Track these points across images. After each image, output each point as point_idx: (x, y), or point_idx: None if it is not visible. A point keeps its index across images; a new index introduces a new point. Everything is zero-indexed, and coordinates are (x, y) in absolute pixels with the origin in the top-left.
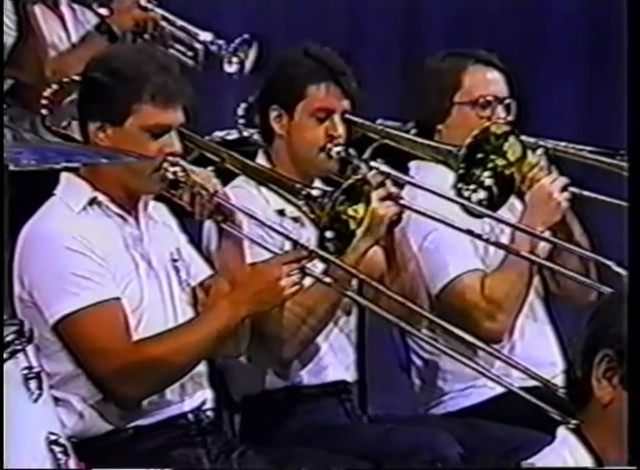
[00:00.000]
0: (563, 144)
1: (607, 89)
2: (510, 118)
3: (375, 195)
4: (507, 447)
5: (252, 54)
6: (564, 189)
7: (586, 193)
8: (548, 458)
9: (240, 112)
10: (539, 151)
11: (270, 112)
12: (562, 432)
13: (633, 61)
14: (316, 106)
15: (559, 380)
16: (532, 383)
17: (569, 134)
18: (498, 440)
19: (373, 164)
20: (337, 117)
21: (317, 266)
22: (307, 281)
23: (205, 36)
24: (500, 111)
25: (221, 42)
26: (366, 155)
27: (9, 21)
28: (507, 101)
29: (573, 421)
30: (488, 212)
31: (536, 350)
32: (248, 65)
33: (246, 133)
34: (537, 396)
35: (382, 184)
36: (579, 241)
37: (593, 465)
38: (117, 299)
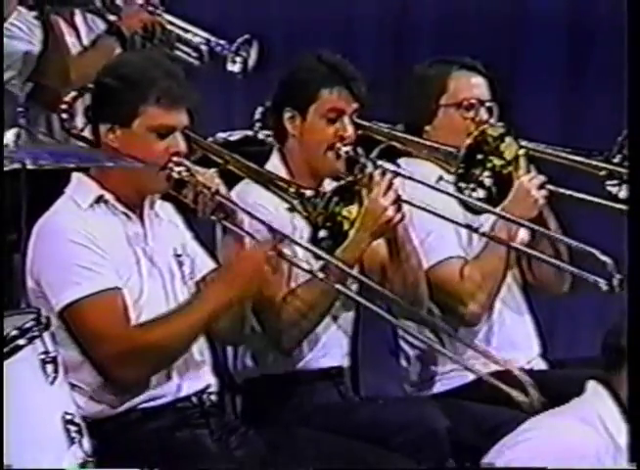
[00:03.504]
0: (542, 146)
1: (586, 92)
2: (492, 120)
3: (375, 192)
4: (487, 426)
5: (254, 53)
6: (541, 187)
7: (562, 190)
8: (580, 406)
9: (257, 115)
10: (521, 151)
11: (284, 113)
12: (592, 384)
13: (633, 62)
14: (327, 108)
15: (536, 362)
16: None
17: (548, 136)
18: (479, 418)
19: (379, 163)
20: (346, 119)
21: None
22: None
23: (210, 38)
24: (483, 113)
25: (224, 43)
26: (373, 154)
27: (34, 32)
28: (489, 104)
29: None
30: (488, 207)
31: (514, 334)
32: (250, 64)
33: (261, 135)
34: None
35: (388, 187)
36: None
37: (620, 414)
38: (118, 288)
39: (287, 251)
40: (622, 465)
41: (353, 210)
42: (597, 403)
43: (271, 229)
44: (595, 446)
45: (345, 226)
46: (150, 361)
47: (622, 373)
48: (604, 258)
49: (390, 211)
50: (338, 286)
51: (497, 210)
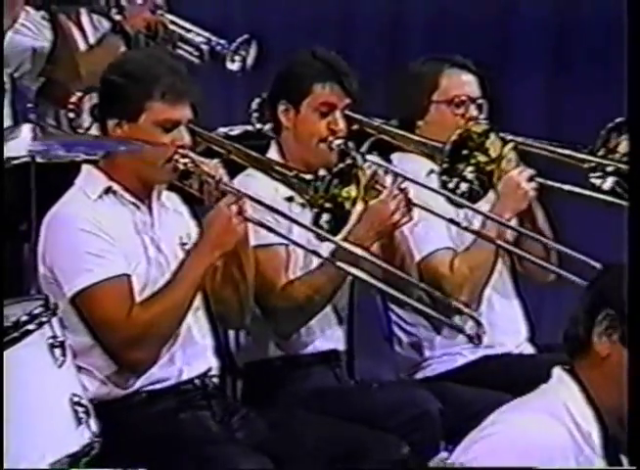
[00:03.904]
0: (530, 140)
1: (573, 89)
2: (482, 116)
3: (384, 195)
4: (472, 409)
5: (253, 52)
6: (530, 179)
7: (551, 183)
8: (546, 396)
9: (253, 106)
10: (509, 145)
11: (279, 105)
12: (557, 372)
13: (633, 61)
14: (320, 102)
15: (524, 346)
16: (500, 350)
17: (536, 131)
18: (465, 402)
19: (368, 157)
20: (338, 114)
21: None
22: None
23: (210, 37)
24: (473, 109)
25: (224, 42)
26: (363, 148)
27: (44, 29)
28: (479, 101)
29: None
30: (467, 203)
31: (503, 318)
32: (249, 62)
33: (258, 126)
34: (506, 362)
35: (397, 190)
36: (542, 226)
37: (585, 401)
38: (127, 275)
39: (248, 209)
40: (597, 464)
41: (352, 189)
42: (562, 392)
43: (276, 211)
44: (561, 439)
45: (347, 206)
46: (154, 338)
47: (582, 361)
48: (593, 263)
49: (397, 215)
50: (350, 269)
51: (488, 203)
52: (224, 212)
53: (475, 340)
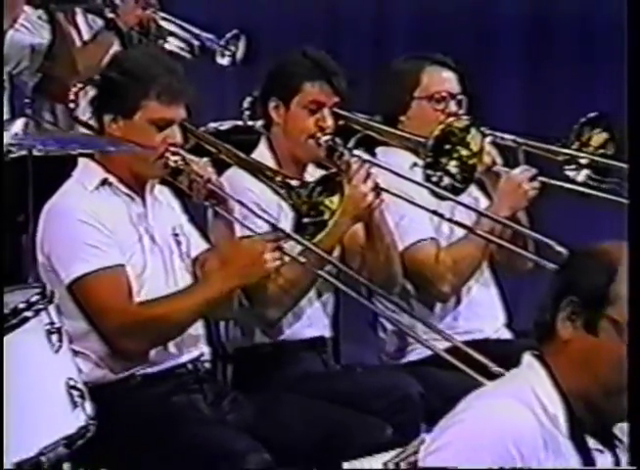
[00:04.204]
0: (508, 134)
1: (549, 84)
2: (461, 112)
3: (355, 180)
4: (452, 393)
5: (242, 47)
6: (532, 179)
7: (553, 182)
8: (516, 381)
9: (245, 104)
10: (487, 139)
11: (270, 102)
12: (527, 357)
13: (633, 61)
14: (309, 99)
15: (502, 331)
16: (479, 336)
17: (515, 126)
18: (446, 386)
19: (356, 152)
20: (326, 111)
21: (296, 248)
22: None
23: (200, 33)
24: (452, 105)
25: (214, 37)
26: (350, 144)
27: (42, 28)
28: (459, 97)
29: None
30: (450, 196)
31: (481, 305)
32: (239, 56)
33: (250, 123)
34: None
35: (367, 175)
36: (520, 217)
37: (552, 385)
38: (122, 265)
39: (286, 245)
40: (563, 444)
41: (335, 200)
42: (531, 377)
43: (258, 215)
44: (529, 422)
45: (326, 216)
46: (148, 336)
47: (549, 346)
48: (559, 248)
49: (370, 197)
50: (317, 271)
51: (488, 202)
52: (259, 247)
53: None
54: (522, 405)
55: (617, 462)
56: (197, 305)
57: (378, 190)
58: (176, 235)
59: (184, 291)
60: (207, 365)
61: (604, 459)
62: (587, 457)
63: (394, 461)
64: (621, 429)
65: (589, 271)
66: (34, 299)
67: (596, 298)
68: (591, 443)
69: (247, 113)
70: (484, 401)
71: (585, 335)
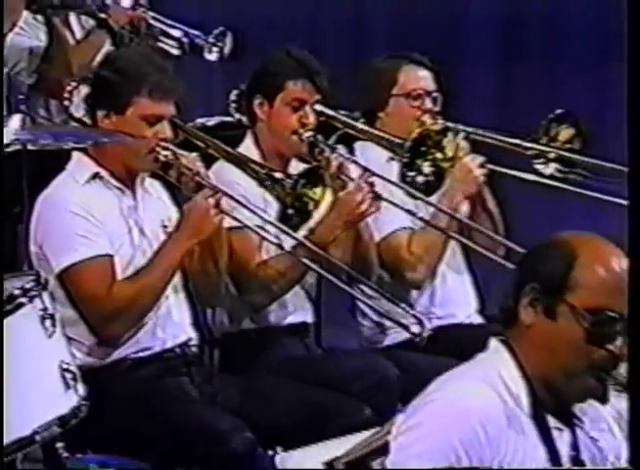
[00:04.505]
0: (480, 130)
1: (519, 83)
2: (437, 108)
3: (351, 187)
4: (426, 376)
5: (229, 43)
6: (481, 166)
7: (500, 169)
8: (483, 364)
9: (232, 97)
10: (460, 134)
11: (255, 99)
12: (494, 343)
13: (633, 61)
14: (292, 97)
15: (474, 317)
16: (452, 321)
17: (486, 121)
18: (420, 369)
19: (336, 147)
20: (308, 108)
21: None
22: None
23: (188, 30)
24: (428, 102)
25: (201, 34)
26: (331, 140)
27: (40, 31)
28: (434, 94)
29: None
30: (420, 195)
31: (455, 292)
32: (226, 52)
33: (237, 116)
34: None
35: (363, 182)
36: (492, 208)
37: (516, 368)
38: (110, 255)
39: (224, 203)
40: (525, 423)
41: (318, 191)
42: (496, 360)
43: (245, 206)
44: (494, 403)
45: (310, 206)
46: (129, 316)
47: (513, 331)
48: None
49: (364, 206)
50: (305, 260)
51: (442, 188)
52: (202, 204)
53: (417, 338)
54: (488, 387)
55: (575, 441)
56: (164, 271)
57: (375, 198)
58: (165, 227)
59: (148, 264)
60: (195, 350)
61: (563, 437)
62: (547, 435)
63: (372, 440)
64: (581, 409)
65: (549, 260)
66: (29, 286)
67: (555, 285)
68: (552, 422)
69: (233, 105)
70: (454, 383)
71: (546, 320)
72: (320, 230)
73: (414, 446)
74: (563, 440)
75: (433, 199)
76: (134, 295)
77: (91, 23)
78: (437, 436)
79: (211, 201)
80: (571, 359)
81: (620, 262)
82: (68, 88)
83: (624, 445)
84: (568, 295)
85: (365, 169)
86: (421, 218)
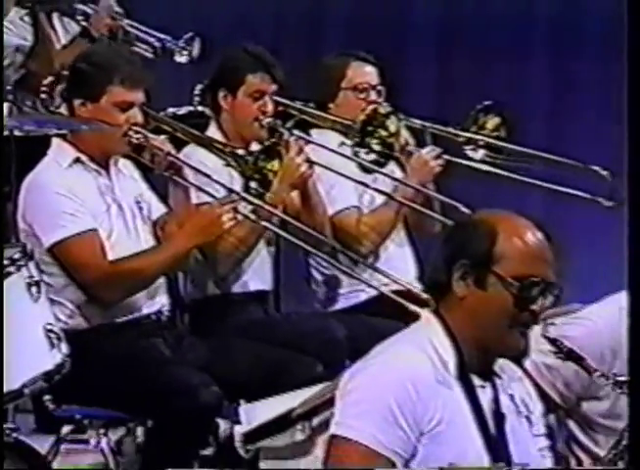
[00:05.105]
0: (417, 119)
1: (453, 77)
2: (381, 100)
3: (291, 153)
4: (378, 334)
5: (197, 46)
6: (437, 157)
7: (454, 159)
8: (416, 332)
9: (196, 91)
10: (402, 123)
11: (219, 92)
12: (426, 314)
13: (632, 61)
14: (253, 89)
15: (413, 282)
16: (394, 287)
17: (425, 112)
18: (371, 328)
19: (294, 131)
20: (267, 98)
21: (246, 207)
22: (239, 218)
23: (160, 36)
24: (373, 94)
25: (172, 39)
26: (288, 125)
27: (26, 29)
28: (378, 87)
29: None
30: (375, 168)
31: (396, 260)
32: (194, 55)
33: (200, 108)
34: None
35: (300, 149)
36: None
37: (445, 335)
38: (95, 230)
39: (242, 208)
40: (453, 384)
41: (276, 164)
42: (428, 329)
43: (213, 180)
44: (425, 367)
45: (270, 177)
46: (123, 286)
47: (445, 302)
48: (464, 209)
49: (303, 168)
50: (266, 224)
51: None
52: (217, 210)
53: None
54: (419, 351)
55: (496, 394)
56: (165, 259)
57: (309, 162)
58: (138, 202)
59: (152, 249)
60: (168, 314)
61: (486, 393)
62: (472, 393)
63: (323, 392)
64: (500, 367)
65: (474, 238)
66: (16, 256)
67: (483, 259)
68: (476, 381)
69: (197, 99)
70: (391, 348)
71: (477, 291)
72: (272, 194)
73: (356, 407)
74: (485, 395)
75: (388, 188)
76: (133, 270)
77: (73, 25)
78: (375, 397)
79: (226, 208)
80: (500, 321)
81: (535, 234)
82: (45, 82)
83: (534, 394)
84: (495, 266)
85: (323, 147)
86: (375, 189)
